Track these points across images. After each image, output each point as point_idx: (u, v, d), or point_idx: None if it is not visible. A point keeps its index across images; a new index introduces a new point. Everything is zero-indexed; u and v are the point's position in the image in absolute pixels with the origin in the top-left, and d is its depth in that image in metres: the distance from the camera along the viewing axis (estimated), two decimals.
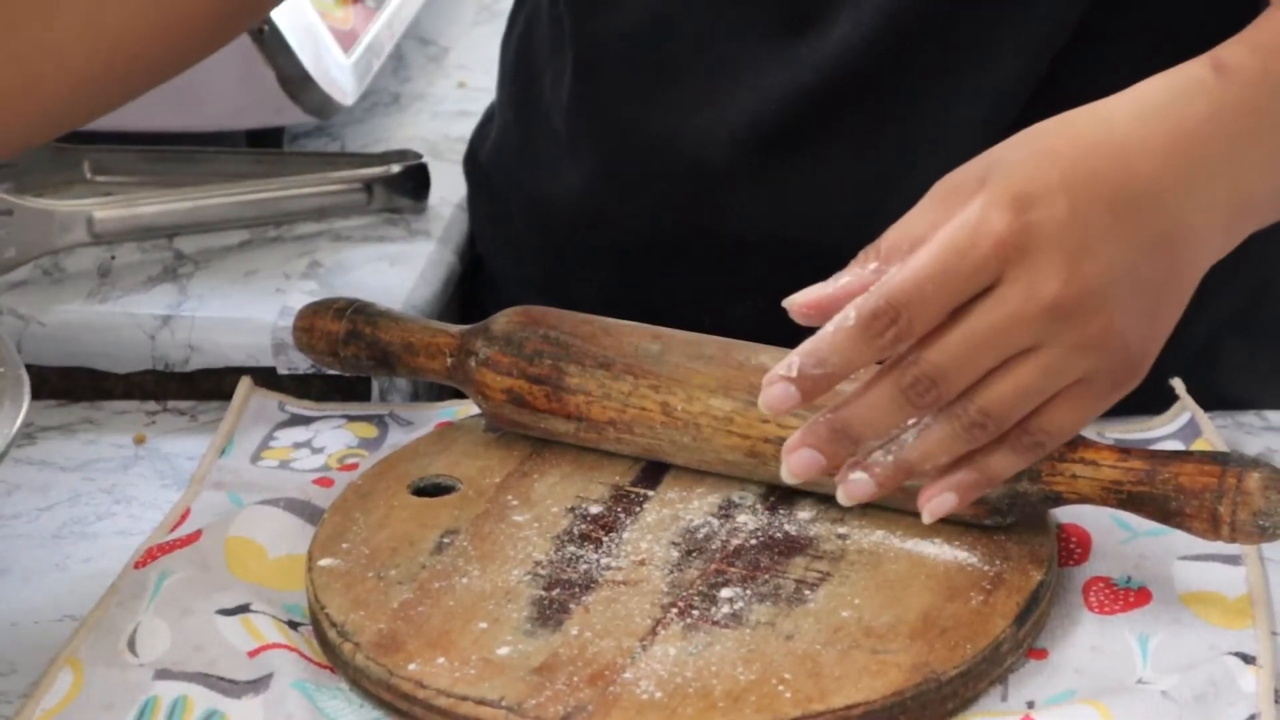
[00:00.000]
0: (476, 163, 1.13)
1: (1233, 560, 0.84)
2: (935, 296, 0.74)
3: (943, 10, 0.93)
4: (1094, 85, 0.93)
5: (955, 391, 0.76)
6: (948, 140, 0.94)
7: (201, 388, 1.04)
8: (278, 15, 1.18)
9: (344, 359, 0.95)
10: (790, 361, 0.76)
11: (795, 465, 0.77)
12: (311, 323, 0.96)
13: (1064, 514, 0.87)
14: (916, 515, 0.83)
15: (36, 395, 1.00)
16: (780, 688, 0.76)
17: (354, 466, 0.95)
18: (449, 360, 0.92)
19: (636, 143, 1.00)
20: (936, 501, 0.79)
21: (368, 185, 1.14)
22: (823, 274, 0.96)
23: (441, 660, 0.78)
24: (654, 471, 0.89)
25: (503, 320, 0.92)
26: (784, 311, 0.96)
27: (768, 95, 0.95)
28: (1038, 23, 0.94)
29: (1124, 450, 0.82)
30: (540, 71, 1.05)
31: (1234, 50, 0.80)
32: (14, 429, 0.80)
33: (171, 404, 1.03)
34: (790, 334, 0.92)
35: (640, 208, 1.01)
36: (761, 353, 0.88)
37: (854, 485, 0.78)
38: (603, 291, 0.95)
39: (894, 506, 0.84)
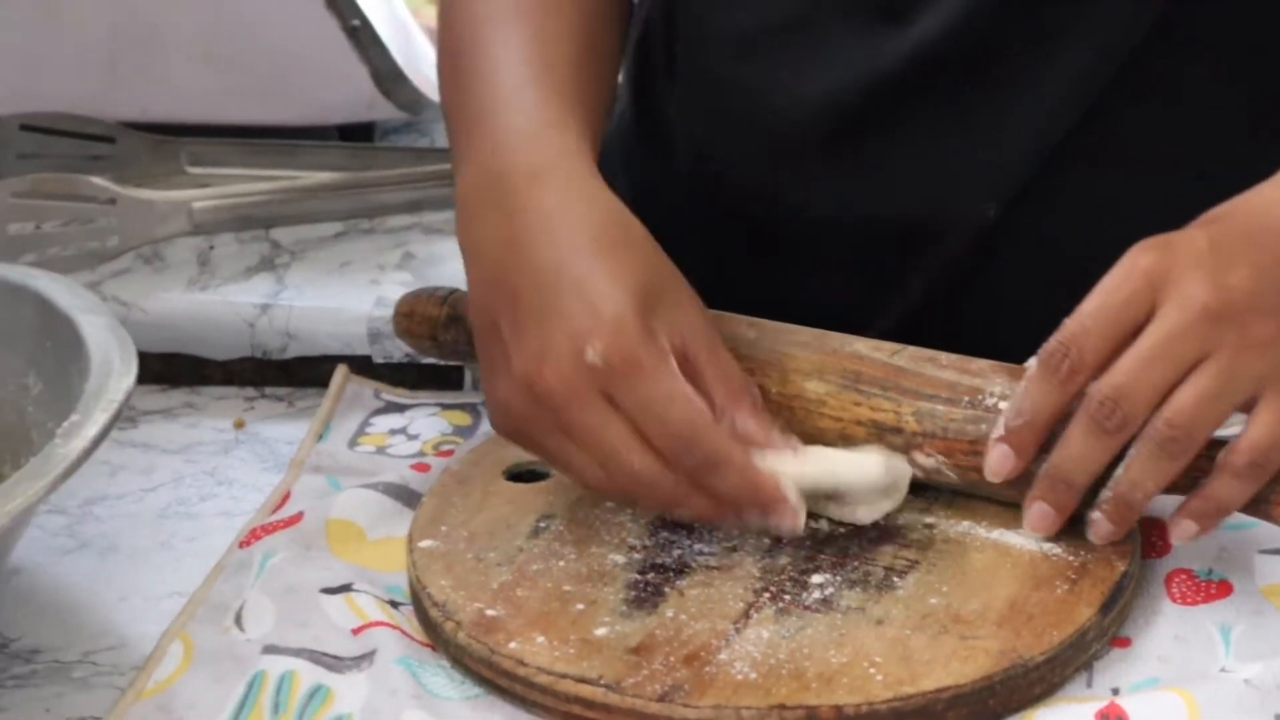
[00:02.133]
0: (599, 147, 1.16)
1: None
2: (1098, 328, 0.82)
3: (1019, 8, 0.95)
4: (1173, 72, 0.96)
5: (1139, 410, 0.81)
6: (1025, 123, 0.96)
7: (298, 375, 1.07)
8: (371, 12, 1.21)
9: (442, 343, 0.98)
10: (997, 425, 0.84)
11: (1034, 521, 0.85)
12: (413, 308, 0.99)
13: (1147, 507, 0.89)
14: (1001, 505, 0.86)
15: (138, 380, 1.03)
16: (871, 670, 0.78)
17: (449, 453, 0.97)
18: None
19: (729, 124, 1.03)
20: (1178, 529, 0.84)
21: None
22: (899, 251, 1.00)
23: (541, 639, 0.81)
24: None
25: None
26: (861, 286, 0.99)
27: (851, 78, 0.98)
28: (1118, 10, 0.96)
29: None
30: (656, 60, 1.07)
31: None
32: (120, 399, 0.83)
33: (269, 390, 1.06)
34: (867, 308, 0.94)
35: (732, 187, 1.03)
36: (856, 341, 0.90)
37: (1095, 527, 0.84)
38: (697, 268, 0.98)
39: (982, 495, 0.86)
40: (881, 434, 0.87)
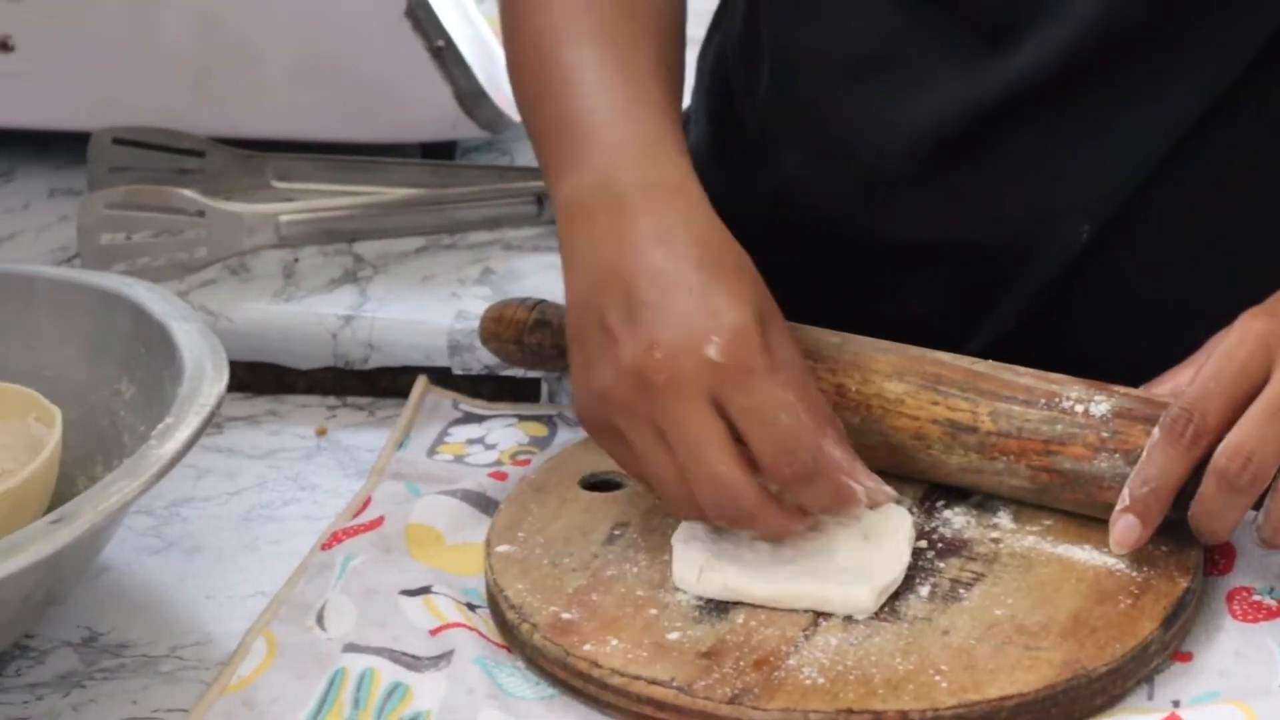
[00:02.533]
0: None
1: None
2: (1219, 391, 0.85)
3: (1125, 35, 0.97)
4: (1271, 99, 0.97)
5: (1269, 465, 0.84)
6: (1123, 146, 0.98)
7: (379, 385, 1.10)
8: (455, 33, 1.24)
9: (528, 346, 1.00)
10: (1122, 495, 0.85)
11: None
12: (501, 313, 1.01)
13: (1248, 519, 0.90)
14: (1067, 520, 0.87)
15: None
16: (937, 678, 0.80)
17: (525, 462, 1.00)
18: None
19: (825, 149, 1.04)
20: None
21: (539, 197, 1.19)
22: (992, 273, 1.01)
23: (614, 642, 0.83)
24: None
25: None
26: (954, 309, 1.00)
27: (948, 107, 0.99)
28: (1221, 41, 0.97)
29: None
30: (735, 84, 1.09)
31: None
32: (213, 403, 0.86)
33: (350, 399, 1.09)
34: (959, 330, 0.95)
35: (825, 211, 1.05)
36: (939, 353, 0.92)
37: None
38: (784, 287, 1.00)
39: (1048, 504, 0.88)
40: (956, 433, 0.89)
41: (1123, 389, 0.89)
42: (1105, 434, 0.87)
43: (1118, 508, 0.85)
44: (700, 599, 0.85)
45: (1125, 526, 0.85)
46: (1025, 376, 0.90)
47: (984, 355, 0.94)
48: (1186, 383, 0.87)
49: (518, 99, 0.99)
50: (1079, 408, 0.88)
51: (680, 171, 0.90)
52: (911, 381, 0.91)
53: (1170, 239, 0.99)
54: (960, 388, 0.90)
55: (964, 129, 0.99)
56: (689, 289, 0.85)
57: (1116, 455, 0.86)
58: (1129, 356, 0.91)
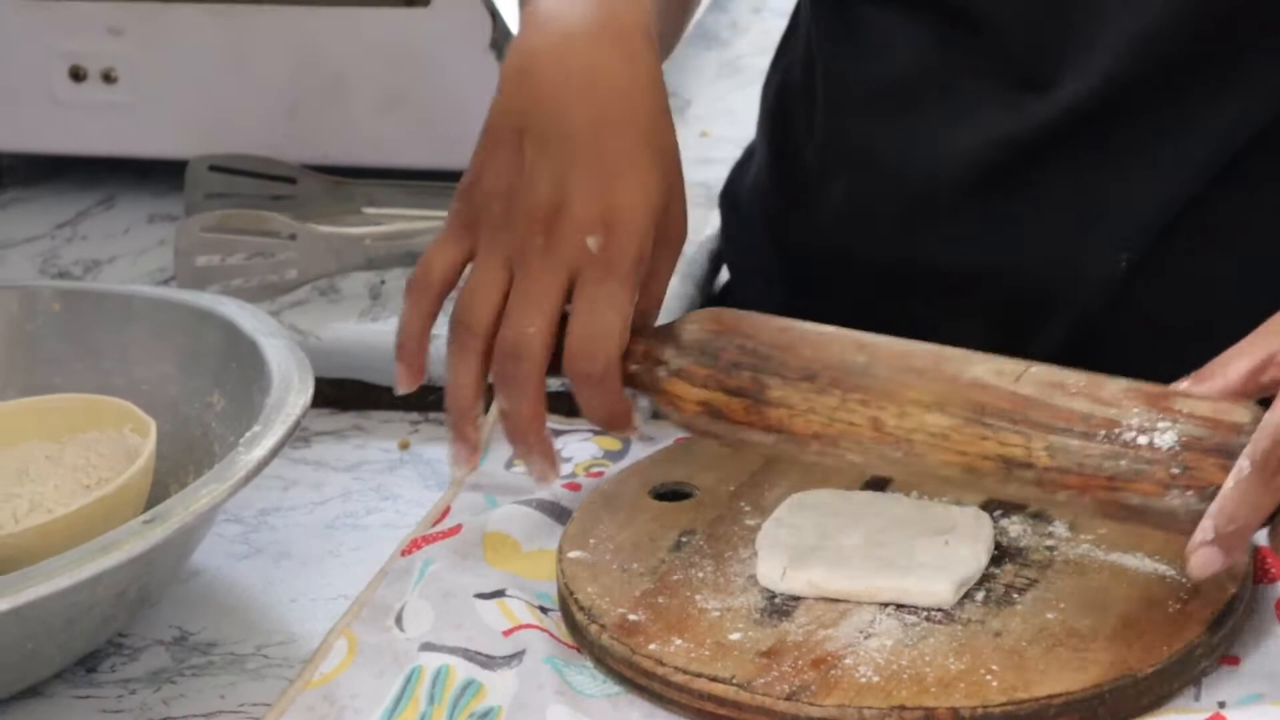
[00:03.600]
0: (735, 196, 1.22)
1: None
2: None
3: (1161, 71, 1.00)
4: None
5: None
6: (1162, 178, 1.00)
7: None
8: None
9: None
10: (1204, 525, 0.82)
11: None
12: None
13: (1259, 535, 0.92)
14: (1121, 528, 0.90)
15: (311, 403, 1.11)
16: (988, 677, 0.83)
17: (599, 474, 1.03)
18: (630, 367, 0.91)
19: (872, 178, 1.08)
20: None
21: None
22: (1032, 305, 1.03)
23: (678, 642, 0.86)
24: (878, 483, 0.96)
25: (693, 327, 0.91)
26: (994, 336, 1.03)
27: (991, 141, 1.03)
28: (1260, 76, 1.00)
29: None
30: (795, 113, 1.13)
31: None
32: (298, 413, 0.90)
33: (433, 415, 1.12)
34: (1008, 351, 0.98)
35: (873, 238, 1.08)
36: (975, 364, 0.88)
37: None
38: (837, 316, 1.03)
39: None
40: (1010, 469, 0.86)
41: (1182, 401, 0.85)
42: (1175, 469, 0.83)
43: (1198, 539, 0.82)
44: (764, 602, 0.89)
45: (1206, 559, 0.83)
46: (1078, 398, 0.85)
47: None
48: (1240, 378, 0.85)
49: None
50: (1142, 439, 0.84)
51: (647, 29, 0.94)
52: (955, 414, 0.86)
53: (1208, 269, 1.02)
54: (1010, 419, 0.85)
55: (1005, 160, 1.02)
56: (606, 158, 0.90)
57: (1190, 492, 0.83)
58: (1176, 376, 0.93)
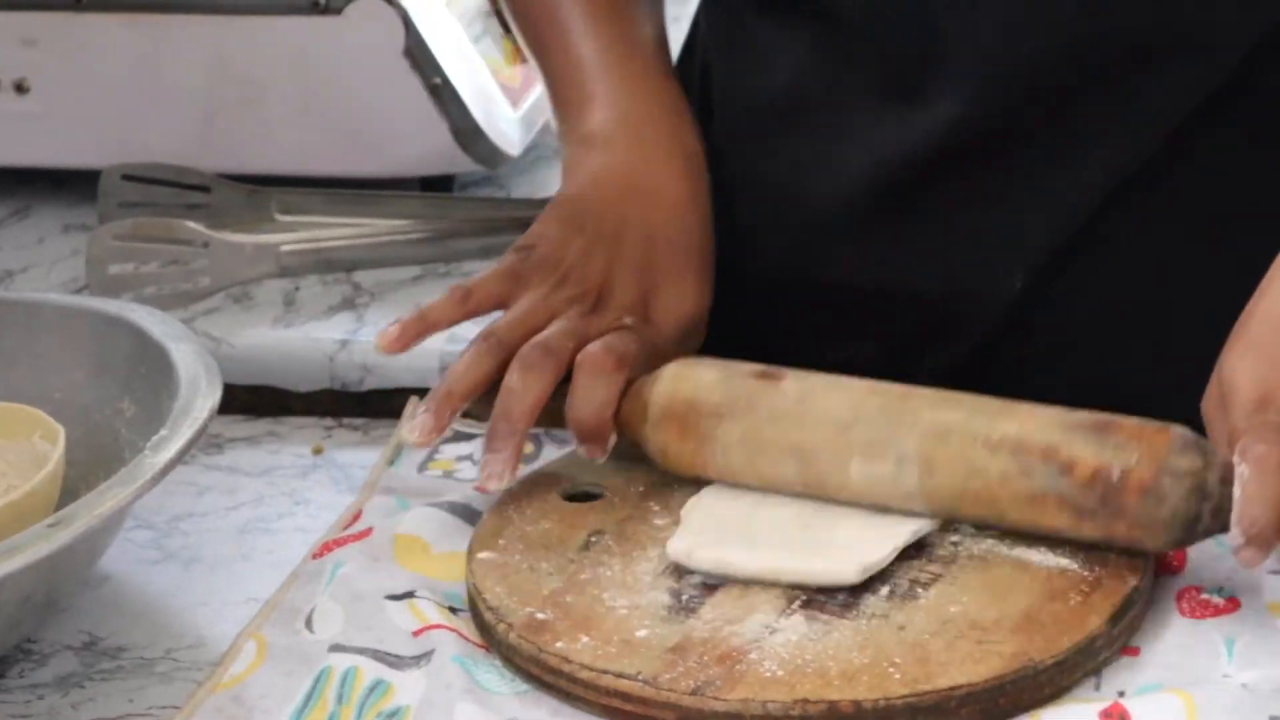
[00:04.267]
0: None
1: None
2: None
3: (1042, 97, 1.00)
4: (1203, 149, 1.00)
5: None
6: (1052, 199, 1.01)
7: (374, 406, 1.14)
8: (452, 71, 1.28)
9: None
10: (1234, 534, 0.85)
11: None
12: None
13: None
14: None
15: (225, 410, 1.10)
16: (891, 670, 0.84)
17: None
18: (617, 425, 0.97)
19: (765, 193, 1.08)
20: None
21: (528, 227, 1.23)
22: (928, 322, 1.04)
23: (585, 640, 0.87)
24: None
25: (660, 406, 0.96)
26: (890, 355, 1.04)
27: (879, 157, 1.03)
28: (1148, 108, 1.00)
29: None
30: (699, 120, 1.14)
31: None
32: (205, 416, 0.90)
33: (346, 420, 1.13)
34: (896, 377, 0.98)
35: (767, 257, 1.09)
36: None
37: None
38: (735, 327, 1.05)
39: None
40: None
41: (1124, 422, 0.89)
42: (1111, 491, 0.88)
43: (1235, 543, 0.85)
44: (671, 599, 0.89)
45: (1248, 559, 0.85)
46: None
47: None
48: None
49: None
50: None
51: (696, 146, 1.07)
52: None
53: (1104, 290, 1.02)
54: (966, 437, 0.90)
55: (893, 180, 1.03)
56: (654, 267, 1.02)
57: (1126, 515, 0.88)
58: (1068, 396, 0.94)
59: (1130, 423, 0.89)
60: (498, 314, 1.00)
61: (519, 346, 0.97)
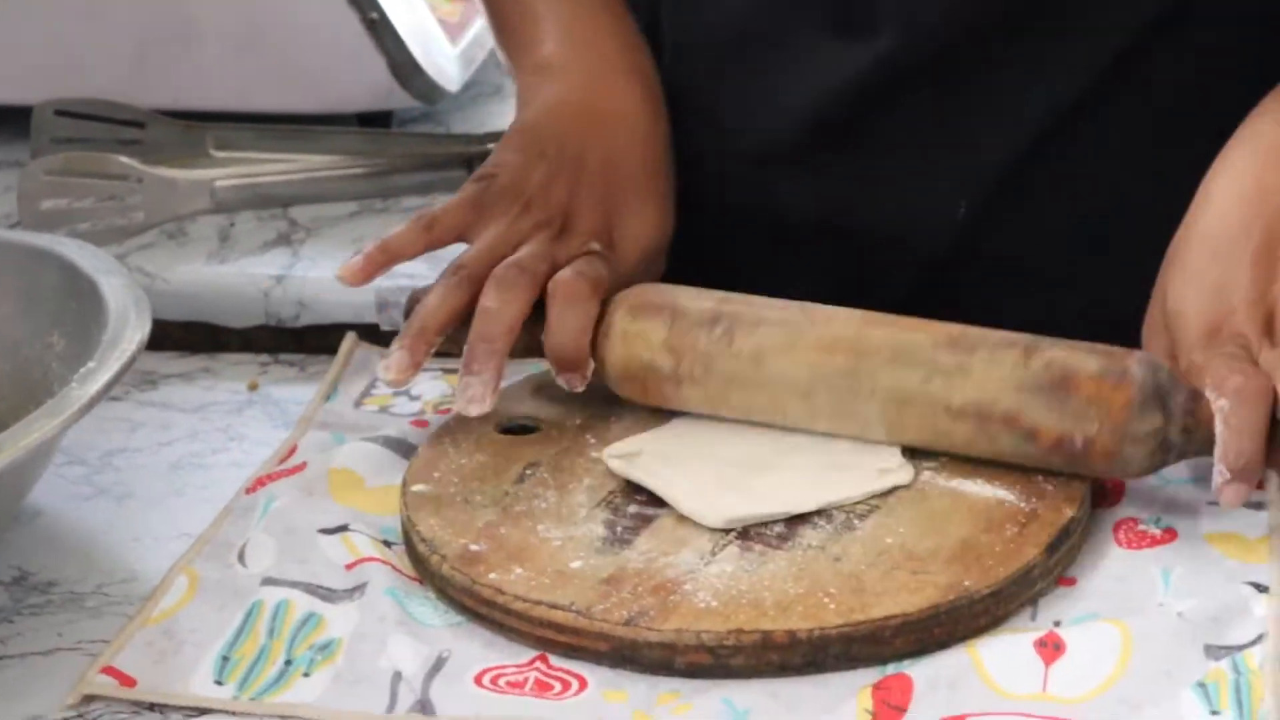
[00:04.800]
0: None
1: (1257, 505, 0.91)
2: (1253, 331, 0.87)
3: (984, 25, 1.00)
4: (1144, 79, 1.00)
5: None
6: (994, 129, 1.01)
7: (310, 342, 1.13)
8: (389, 6, 1.27)
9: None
10: (1218, 469, 0.85)
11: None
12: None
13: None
14: (962, 458, 0.91)
15: (160, 347, 1.10)
16: (826, 600, 0.83)
17: (448, 410, 1.03)
18: None
19: (715, 127, 1.08)
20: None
21: (468, 162, 1.22)
22: (873, 253, 1.04)
23: (519, 571, 0.86)
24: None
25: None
26: (838, 286, 1.04)
27: (823, 89, 1.03)
28: (1091, 36, 1.00)
29: None
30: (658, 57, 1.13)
31: None
32: (134, 349, 0.89)
33: (283, 356, 1.12)
34: (854, 300, 0.98)
35: (716, 188, 1.09)
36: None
37: None
38: (685, 262, 1.04)
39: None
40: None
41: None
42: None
43: (1218, 480, 0.85)
44: (606, 531, 0.89)
45: (1233, 495, 0.85)
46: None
47: None
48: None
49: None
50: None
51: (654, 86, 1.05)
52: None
53: (1047, 217, 1.03)
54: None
55: (838, 110, 1.03)
56: (613, 193, 1.00)
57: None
58: (1017, 321, 0.93)
59: (1088, 379, 0.88)
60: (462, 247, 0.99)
61: (485, 276, 0.96)
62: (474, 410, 0.93)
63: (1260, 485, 0.88)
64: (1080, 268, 1.03)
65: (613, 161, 1.01)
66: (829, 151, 1.04)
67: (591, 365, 0.95)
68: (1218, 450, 0.85)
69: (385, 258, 0.98)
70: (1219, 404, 0.85)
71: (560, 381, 0.95)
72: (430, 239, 0.99)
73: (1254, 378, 0.85)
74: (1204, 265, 0.88)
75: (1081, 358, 0.89)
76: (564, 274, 0.96)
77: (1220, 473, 0.85)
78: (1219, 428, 0.85)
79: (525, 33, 1.06)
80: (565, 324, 0.94)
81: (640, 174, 1.02)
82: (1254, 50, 1.00)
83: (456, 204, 0.99)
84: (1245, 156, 0.90)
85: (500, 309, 0.94)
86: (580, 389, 0.95)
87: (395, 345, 0.95)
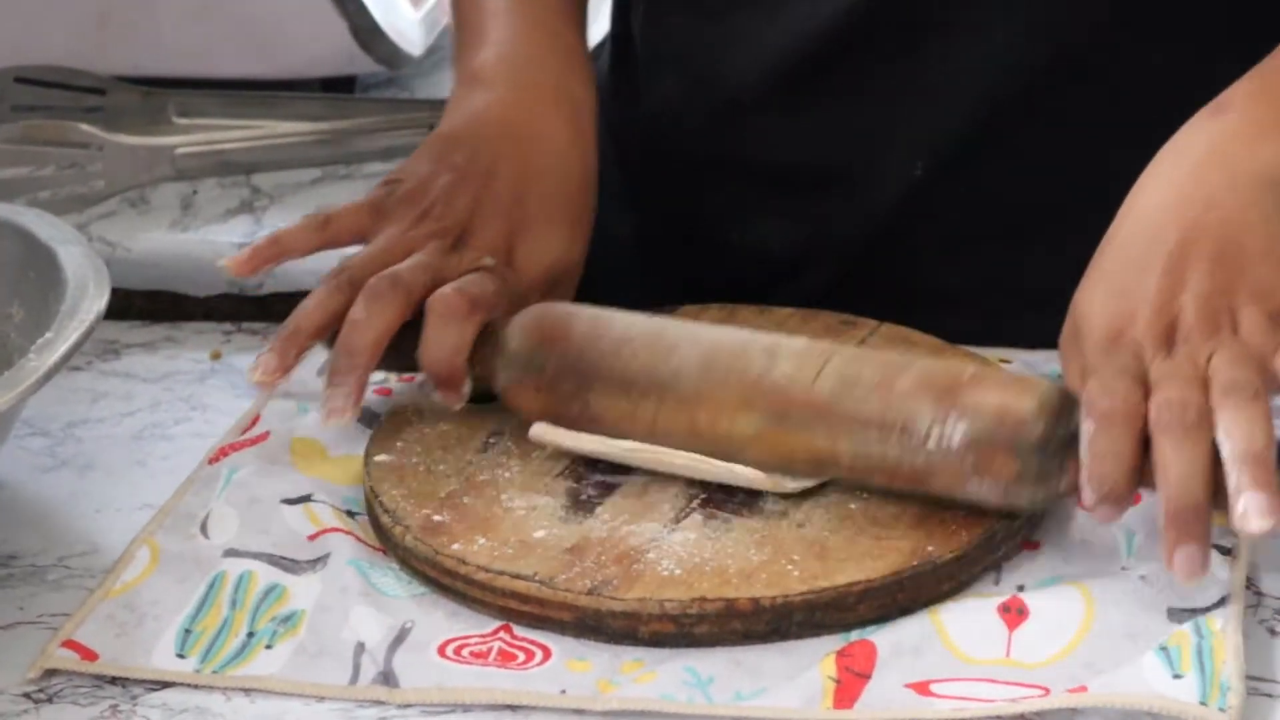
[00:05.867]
0: None
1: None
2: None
3: None
4: (1108, 47, 1.00)
5: (1193, 409, 0.81)
6: (957, 87, 1.02)
7: (274, 311, 1.12)
8: None
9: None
10: (1085, 493, 0.82)
11: (1185, 568, 0.80)
12: None
13: None
14: None
15: (122, 316, 1.10)
16: (789, 567, 0.83)
17: (411, 379, 1.02)
18: (474, 370, 0.93)
19: (686, 72, 1.08)
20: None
21: (432, 127, 1.21)
22: (837, 203, 1.05)
23: (482, 541, 0.86)
24: None
25: (517, 337, 0.93)
26: (801, 233, 1.04)
27: (792, 34, 1.04)
28: (1049, 8, 1.00)
29: None
30: (632, 6, 1.13)
31: (1234, 89, 0.91)
32: (92, 319, 0.88)
33: (246, 325, 1.11)
34: (806, 254, 0.98)
35: (686, 133, 1.09)
36: (779, 360, 0.88)
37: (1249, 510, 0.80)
38: (658, 205, 1.04)
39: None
40: (821, 464, 0.87)
41: (971, 392, 0.85)
42: (968, 465, 0.84)
43: (1087, 504, 0.82)
44: (569, 500, 0.88)
45: (1104, 514, 0.82)
46: (871, 397, 0.86)
47: (834, 281, 0.98)
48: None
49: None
50: (932, 441, 0.84)
51: (586, 97, 1.04)
52: (762, 415, 0.87)
53: (1003, 183, 1.04)
54: (810, 422, 0.87)
55: (806, 57, 1.04)
56: (522, 210, 0.99)
57: (987, 480, 0.84)
58: (971, 283, 0.93)
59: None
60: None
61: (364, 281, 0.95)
62: (333, 422, 0.91)
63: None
64: (1032, 243, 1.04)
65: (525, 179, 0.99)
66: (795, 98, 1.05)
67: (469, 384, 0.93)
68: (1083, 474, 0.82)
69: (274, 251, 0.97)
70: (1085, 425, 0.82)
71: (435, 398, 0.93)
72: (323, 239, 0.98)
73: (1126, 399, 0.82)
74: (1116, 270, 0.88)
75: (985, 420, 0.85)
76: (445, 289, 0.94)
77: (1086, 497, 0.82)
78: (1083, 451, 0.82)
79: (471, 38, 1.06)
80: (440, 341, 0.93)
81: (553, 196, 1.00)
82: (1219, 32, 1.00)
83: (355, 206, 0.99)
84: (1172, 167, 0.90)
85: (367, 320, 0.93)
86: (457, 407, 0.93)
87: (266, 345, 0.94)
